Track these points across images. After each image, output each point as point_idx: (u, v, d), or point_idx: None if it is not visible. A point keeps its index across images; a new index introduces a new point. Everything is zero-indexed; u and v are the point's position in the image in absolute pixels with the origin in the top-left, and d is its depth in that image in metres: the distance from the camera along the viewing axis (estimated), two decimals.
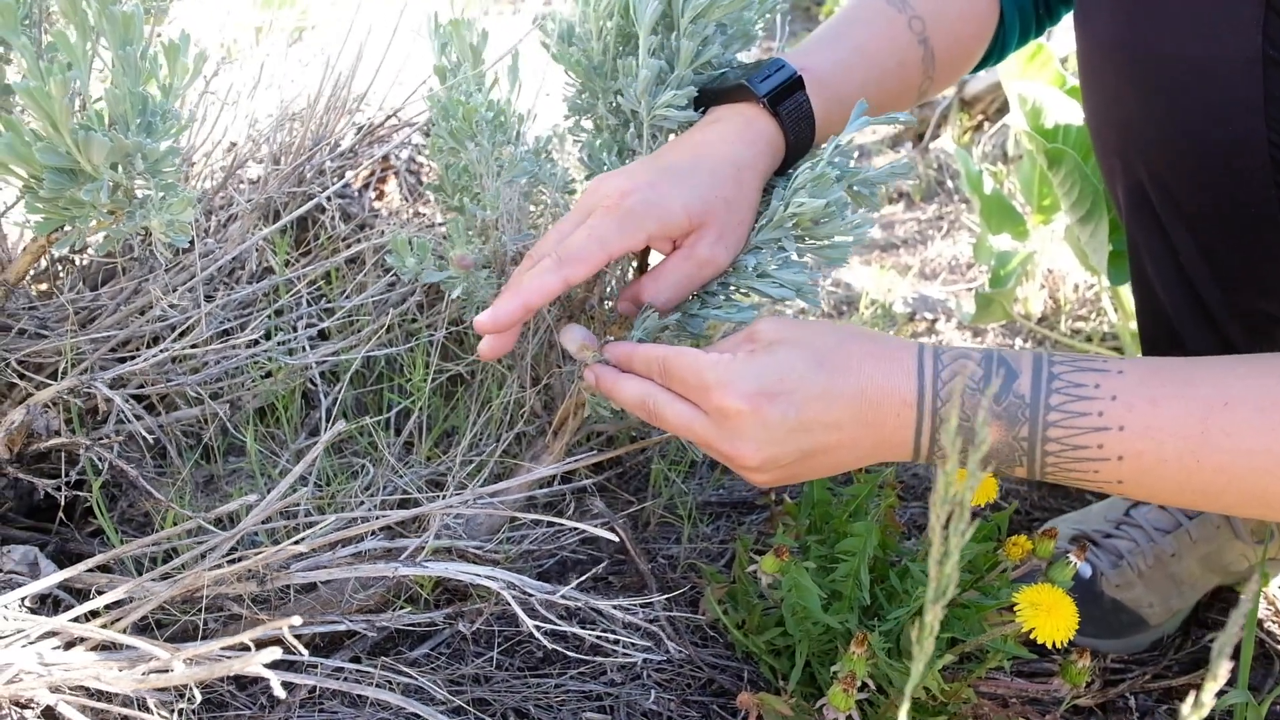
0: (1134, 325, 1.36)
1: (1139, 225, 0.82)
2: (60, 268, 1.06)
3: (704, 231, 0.70)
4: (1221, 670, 0.35)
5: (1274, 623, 0.98)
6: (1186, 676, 0.91)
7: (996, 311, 1.49)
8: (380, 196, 1.40)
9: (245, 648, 0.54)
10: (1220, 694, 0.81)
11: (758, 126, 0.75)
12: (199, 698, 0.53)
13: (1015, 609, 0.68)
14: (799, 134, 0.76)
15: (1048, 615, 0.67)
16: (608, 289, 1.04)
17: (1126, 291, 1.37)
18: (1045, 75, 1.37)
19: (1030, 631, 0.67)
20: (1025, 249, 1.53)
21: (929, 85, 0.88)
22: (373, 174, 1.37)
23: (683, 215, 0.69)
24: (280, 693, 0.46)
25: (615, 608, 0.84)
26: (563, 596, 0.79)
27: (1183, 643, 0.96)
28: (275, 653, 0.44)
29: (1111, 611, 0.94)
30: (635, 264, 0.89)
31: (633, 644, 0.88)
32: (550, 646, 0.85)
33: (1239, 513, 0.60)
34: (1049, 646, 0.67)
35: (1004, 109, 2.52)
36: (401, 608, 0.87)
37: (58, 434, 0.82)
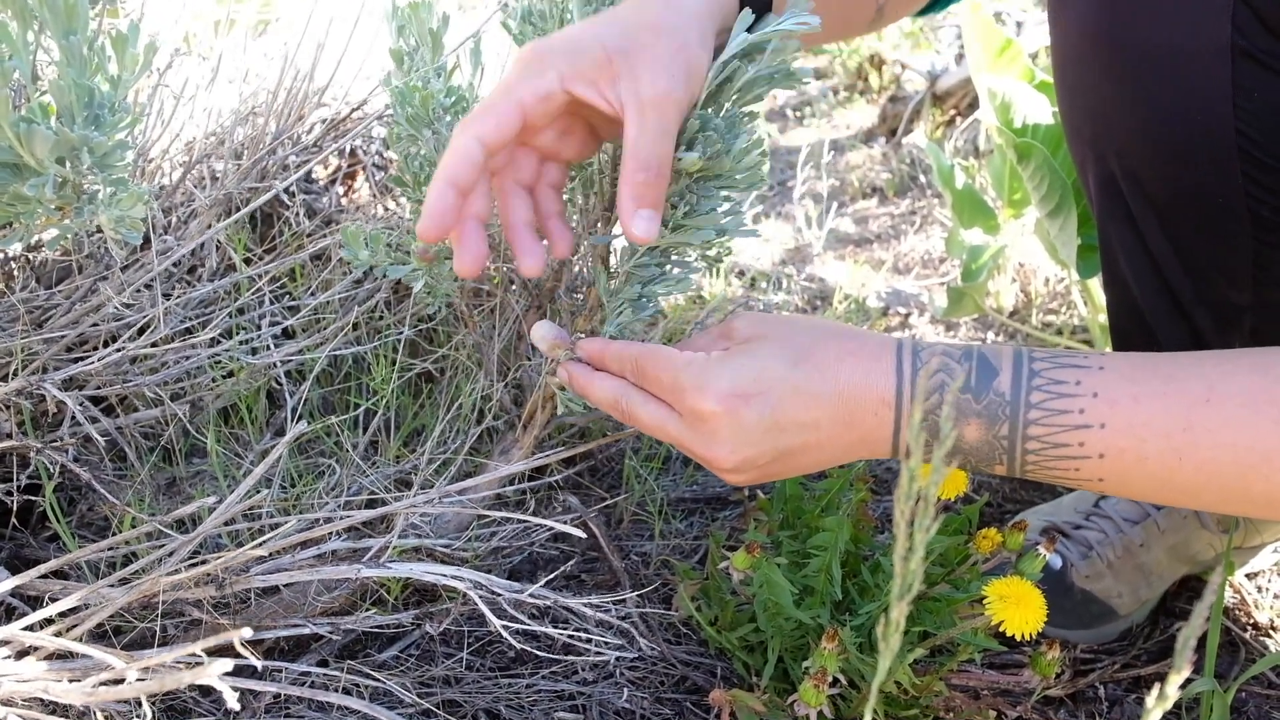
0: (1103, 318, 1.37)
1: (1110, 216, 0.82)
2: (14, 266, 1.03)
3: (635, 64, 0.59)
4: (1185, 664, 0.35)
5: (1240, 611, 0.99)
6: (1155, 665, 0.92)
7: (969, 305, 1.50)
8: (348, 192, 1.37)
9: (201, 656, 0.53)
10: (1188, 682, 0.82)
11: None
12: (149, 714, 0.52)
13: (984, 602, 0.68)
14: None
15: (1016, 607, 0.67)
16: (576, 278, 1.03)
17: (1096, 284, 1.38)
18: (1014, 70, 1.38)
19: (1000, 624, 0.67)
20: (997, 243, 1.54)
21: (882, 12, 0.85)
22: (340, 168, 1.35)
23: (595, 45, 0.60)
24: (234, 704, 0.44)
25: (587, 605, 0.83)
26: (532, 595, 0.78)
27: (1151, 632, 0.97)
28: (228, 664, 0.43)
29: (1082, 603, 0.94)
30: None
31: (605, 642, 0.87)
32: (520, 647, 0.84)
33: (1218, 509, 0.59)
34: (1018, 638, 0.67)
35: (975, 104, 2.53)
36: (368, 609, 0.85)
37: (9, 436, 0.79)
